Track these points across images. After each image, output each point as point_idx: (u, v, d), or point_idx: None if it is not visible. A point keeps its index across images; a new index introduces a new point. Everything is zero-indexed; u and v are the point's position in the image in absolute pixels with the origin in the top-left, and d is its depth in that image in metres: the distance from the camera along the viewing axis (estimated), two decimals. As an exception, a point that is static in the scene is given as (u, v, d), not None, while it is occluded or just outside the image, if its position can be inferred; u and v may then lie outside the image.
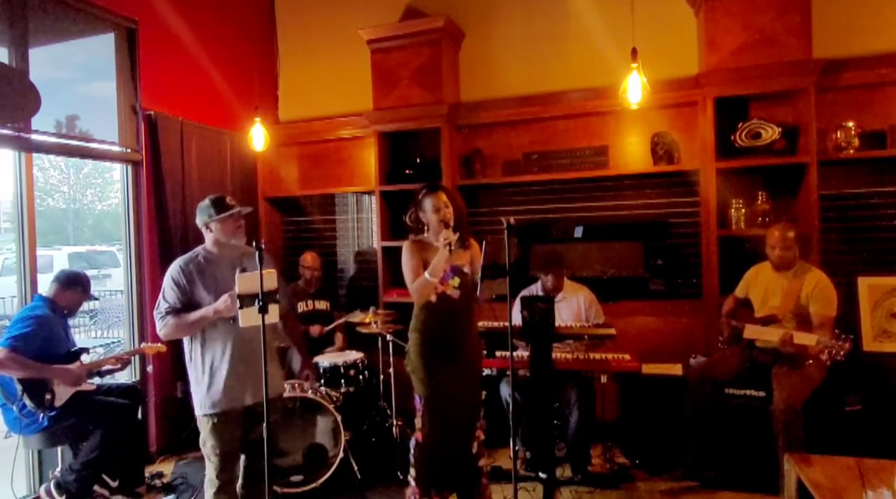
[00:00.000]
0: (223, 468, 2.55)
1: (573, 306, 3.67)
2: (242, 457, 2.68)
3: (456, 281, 2.75)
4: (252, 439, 2.59)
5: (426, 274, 2.66)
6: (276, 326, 2.74)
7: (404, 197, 2.96)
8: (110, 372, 3.39)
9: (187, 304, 2.53)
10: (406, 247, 2.79)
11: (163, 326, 2.53)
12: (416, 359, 2.78)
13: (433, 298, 2.74)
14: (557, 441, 3.48)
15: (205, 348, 2.56)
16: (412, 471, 2.85)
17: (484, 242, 2.71)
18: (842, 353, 2.86)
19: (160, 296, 2.57)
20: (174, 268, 2.58)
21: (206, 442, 2.56)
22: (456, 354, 2.78)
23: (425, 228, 2.81)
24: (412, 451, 2.85)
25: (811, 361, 3.13)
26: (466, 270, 2.79)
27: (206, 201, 2.62)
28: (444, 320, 2.77)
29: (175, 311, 2.51)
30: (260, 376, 2.33)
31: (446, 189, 2.82)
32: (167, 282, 2.56)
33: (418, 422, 2.82)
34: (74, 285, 3.28)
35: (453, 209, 2.74)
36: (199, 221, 2.63)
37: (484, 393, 2.97)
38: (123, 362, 3.40)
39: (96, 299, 3.79)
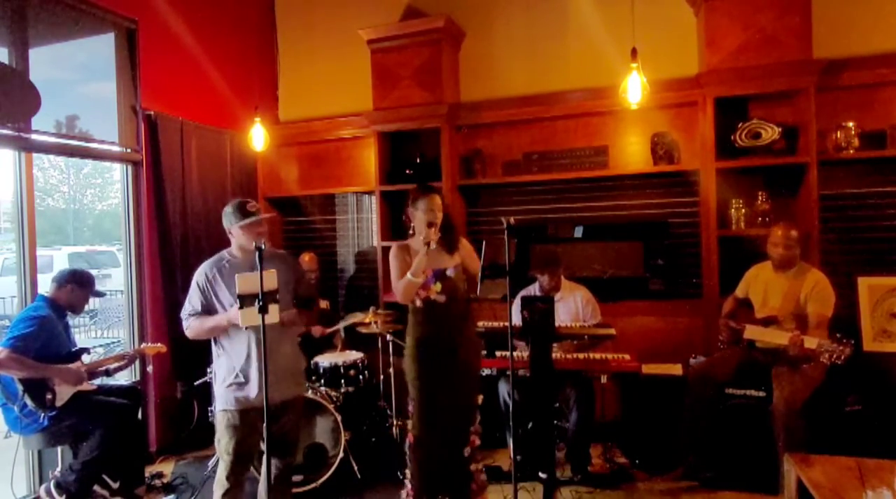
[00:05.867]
0: (234, 470, 2.55)
1: (571, 306, 3.67)
2: (265, 457, 2.68)
3: (438, 286, 2.77)
4: (274, 437, 2.58)
5: (408, 274, 2.71)
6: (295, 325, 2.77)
7: (404, 197, 2.97)
8: (118, 370, 3.39)
9: (209, 307, 2.59)
10: (392, 250, 2.86)
11: (187, 328, 2.62)
12: (409, 362, 2.83)
13: (419, 302, 2.78)
14: (557, 441, 3.48)
15: (228, 345, 2.60)
16: (407, 471, 2.88)
17: (484, 243, 2.71)
18: (843, 357, 2.86)
19: (187, 298, 2.63)
20: (199, 272, 2.63)
21: (221, 440, 2.57)
22: (449, 357, 2.77)
23: (412, 230, 2.86)
24: (407, 452, 2.88)
25: (813, 363, 3.12)
26: (450, 273, 2.80)
27: (230, 207, 2.64)
28: (433, 324, 2.80)
29: (198, 314, 2.59)
30: (282, 374, 2.42)
31: (440, 194, 2.85)
32: (192, 285, 2.63)
33: (411, 423, 2.84)
34: (69, 283, 3.27)
35: (443, 214, 2.78)
36: (225, 224, 2.66)
37: (481, 397, 2.94)
38: (129, 359, 3.42)
39: (102, 295, 3.78)
